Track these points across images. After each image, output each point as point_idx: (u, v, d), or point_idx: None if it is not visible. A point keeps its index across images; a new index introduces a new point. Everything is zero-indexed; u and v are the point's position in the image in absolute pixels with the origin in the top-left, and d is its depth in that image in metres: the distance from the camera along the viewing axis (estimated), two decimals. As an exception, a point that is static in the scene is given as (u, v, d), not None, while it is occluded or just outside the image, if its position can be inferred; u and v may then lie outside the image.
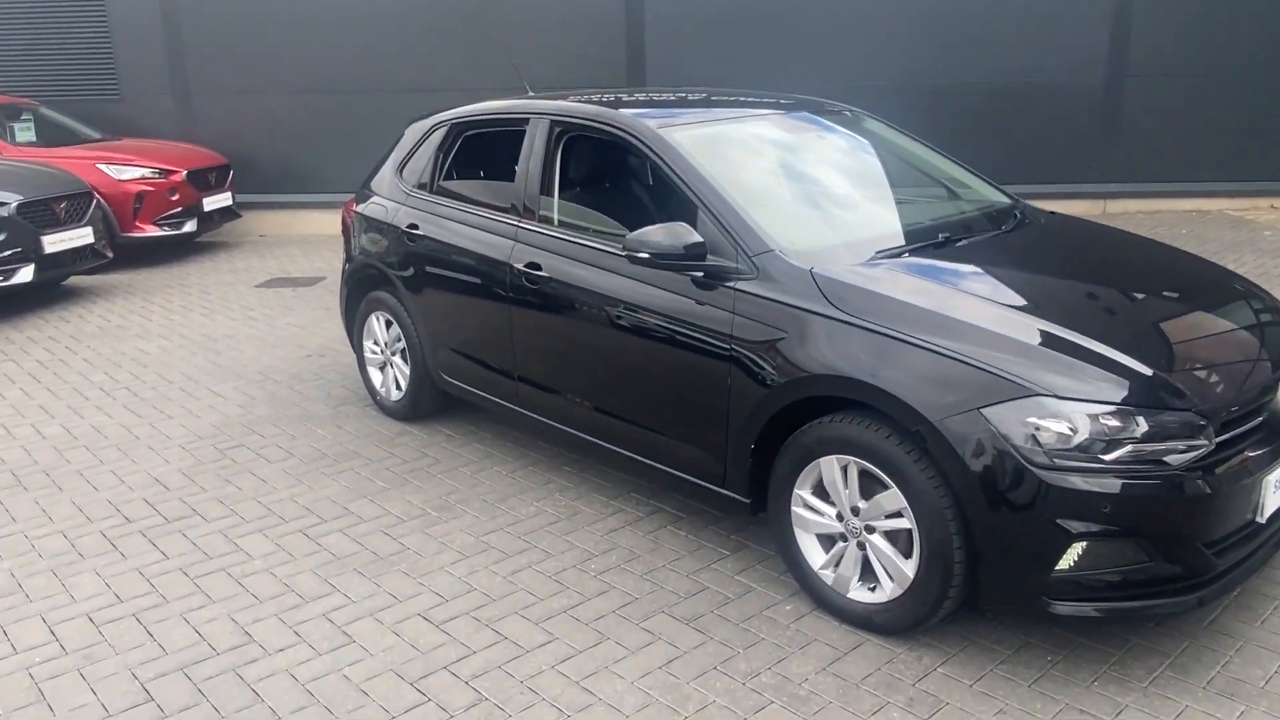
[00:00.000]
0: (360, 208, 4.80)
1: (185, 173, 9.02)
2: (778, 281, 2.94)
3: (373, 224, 4.67)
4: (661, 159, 3.37)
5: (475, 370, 4.16)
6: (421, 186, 4.48)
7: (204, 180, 9.32)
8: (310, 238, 10.17)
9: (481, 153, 4.43)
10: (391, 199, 4.60)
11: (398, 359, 4.69)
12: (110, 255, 7.89)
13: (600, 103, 3.82)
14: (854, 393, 2.69)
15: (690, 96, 4.33)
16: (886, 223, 3.51)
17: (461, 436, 4.53)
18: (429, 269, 4.28)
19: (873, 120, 4.24)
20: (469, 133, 4.38)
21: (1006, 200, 3.90)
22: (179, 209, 8.97)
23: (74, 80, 10.39)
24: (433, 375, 4.46)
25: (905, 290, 2.81)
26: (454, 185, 4.41)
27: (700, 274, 3.09)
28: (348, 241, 4.90)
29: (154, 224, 8.78)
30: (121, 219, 8.60)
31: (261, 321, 6.88)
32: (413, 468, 4.20)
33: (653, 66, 9.94)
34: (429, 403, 4.64)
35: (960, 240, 3.32)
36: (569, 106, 3.84)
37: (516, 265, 3.76)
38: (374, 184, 4.81)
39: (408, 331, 4.50)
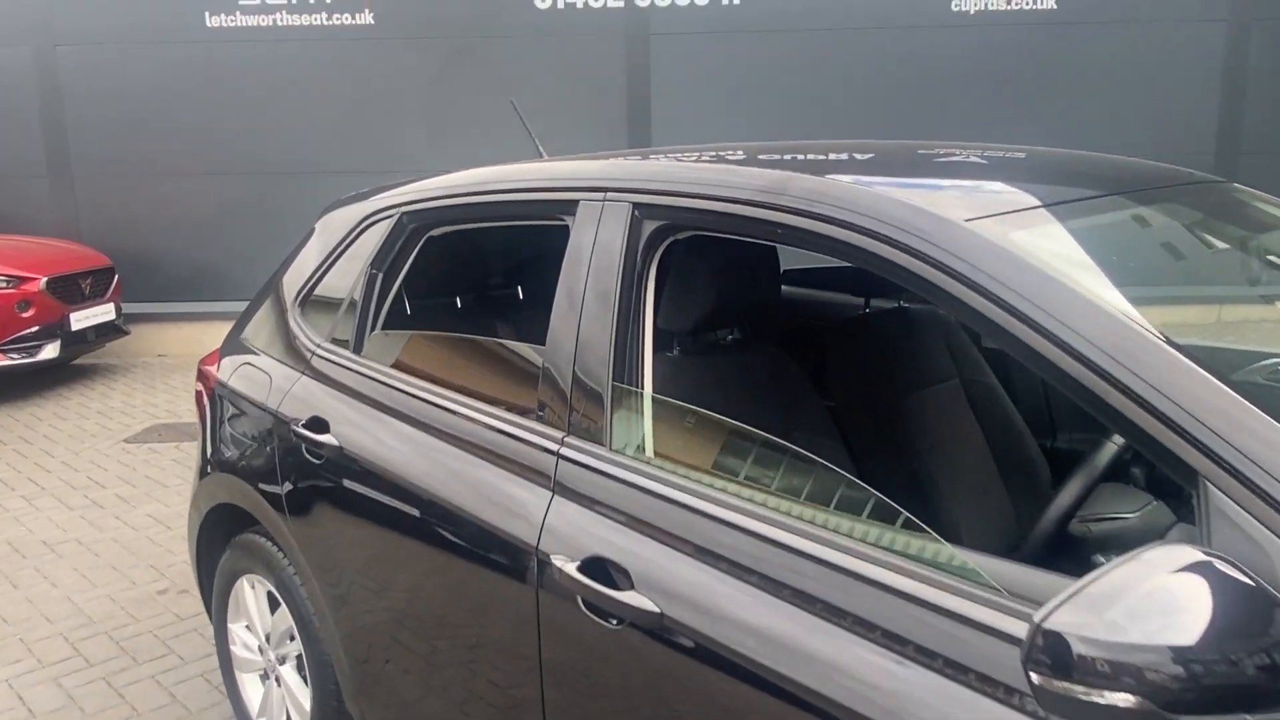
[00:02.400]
0: (225, 374, 2.52)
1: (45, 280, 6.69)
2: None
3: (244, 408, 2.38)
4: (1019, 305, 1.18)
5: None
6: (340, 341, 2.21)
7: (74, 289, 6.98)
8: (222, 359, 7.81)
9: (464, 271, 2.25)
10: (282, 361, 2.33)
11: (288, 669, 2.35)
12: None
13: (739, 162, 1.63)
14: None
15: (864, 155, 2.15)
16: None
17: None
18: (354, 519, 2.00)
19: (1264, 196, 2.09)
20: (436, 230, 2.15)
21: None
22: (33, 328, 6.61)
23: (-80, 160, 8.09)
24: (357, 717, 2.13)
25: None
26: (405, 341, 2.15)
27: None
28: (204, 433, 2.59)
29: (-6, 349, 6.42)
30: (-54, 344, 6.24)
31: (111, 512, 4.48)
32: None
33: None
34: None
35: None
36: (675, 171, 1.64)
37: (562, 564, 1.49)
38: (249, 330, 2.54)
39: (307, 624, 2.19)
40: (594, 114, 7.74)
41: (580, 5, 7.81)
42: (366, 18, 7.82)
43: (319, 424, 2.07)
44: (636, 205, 1.63)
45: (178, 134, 7.98)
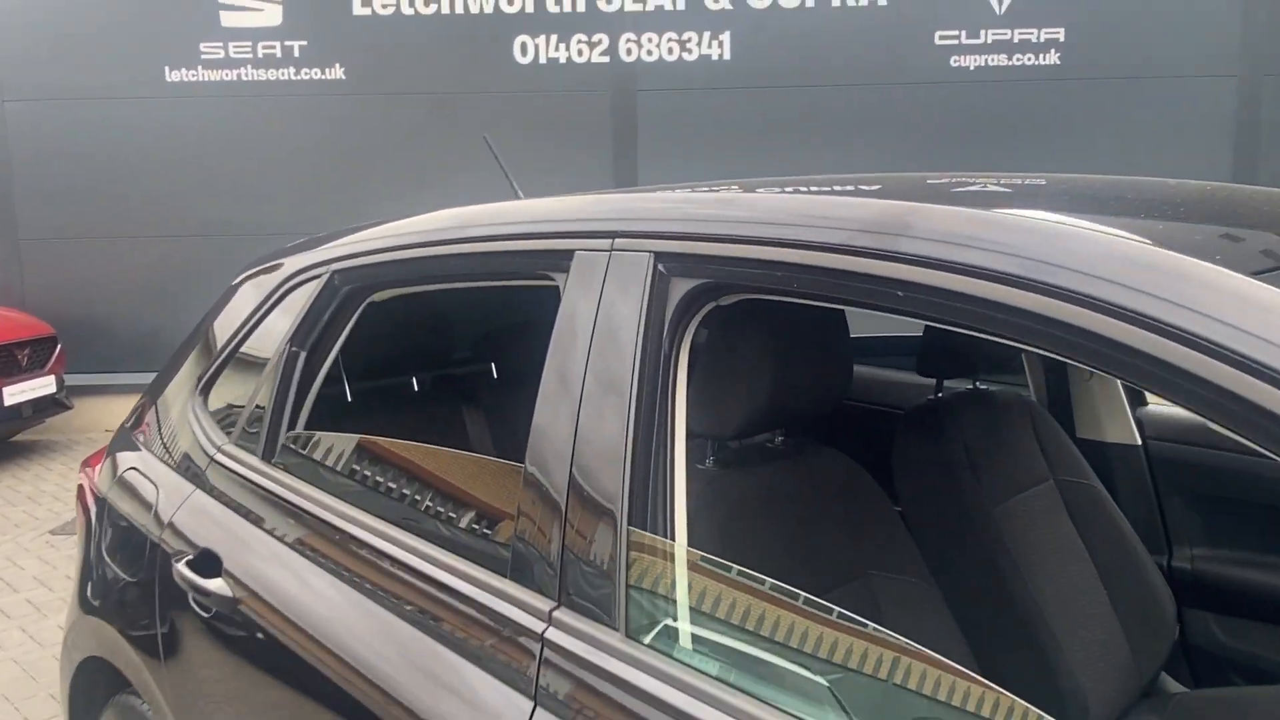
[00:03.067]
0: (106, 481, 1.93)
1: (-26, 351, 6.08)
2: None
3: (122, 531, 1.79)
4: None
5: None
6: (247, 443, 1.63)
7: (9, 360, 6.37)
8: (174, 435, 7.17)
9: (417, 347, 1.69)
10: (175, 467, 1.75)
11: None
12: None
13: (805, 193, 1.10)
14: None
15: (965, 187, 1.61)
16: None
17: None
18: (248, 703, 1.40)
19: None
20: (380, 294, 1.59)
21: None
22: (-41, 404, 5.98)
23: None
24: None
25: None
26: (329, 447, 1.57)
27: None
28: (81, 559, 1.99)
29: (-87, 429, 5.78)
30: None
31: (17, 623, 3.82)
32: None
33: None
34: None
35: None
36: (720, 207, 1.09)
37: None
38: (143, 426, 1.97)
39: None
40: (578, 173, 7.29)
41: (563, 60, 7.43)
42: (337, 72, 7.40)
43: (208, 562, 1.48)
44: (660, 256, 1.09)
45: (133, 194, 7.47)
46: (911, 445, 1.78)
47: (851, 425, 1.90)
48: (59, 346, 6.86)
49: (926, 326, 1.85)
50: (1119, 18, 7.33)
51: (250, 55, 7.39)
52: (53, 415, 6.87)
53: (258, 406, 1.62)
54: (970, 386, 1.97)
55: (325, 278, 1.60)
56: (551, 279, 1.22)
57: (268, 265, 1.83)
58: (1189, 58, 7.39)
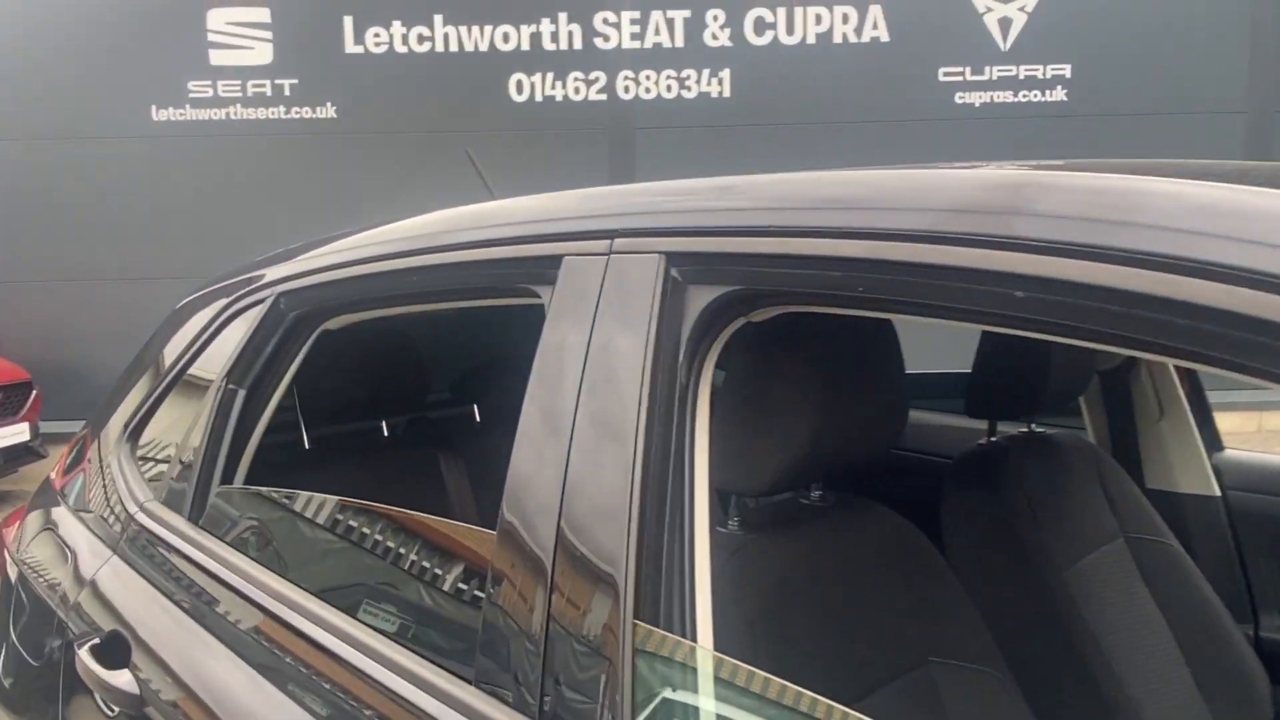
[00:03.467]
0: (21, 543, 1.65)
1: (-60, 397, 5.81)
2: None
3: (29, 604, 1.51)
4: None
5: None
6: (174, 500, 1.36)
7: (-21, 406, 6.09)
8: (152, 485, 6.86)
9: (381, 390, 1.45)
10: (94, 528, 1.48)
11: None
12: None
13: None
14: None
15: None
16: None
17: None
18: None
19: None
20: (335, 321, 1.33)
21: None
22: (-77, 453, 5.69)
23: None
24: None
25: None
26: (268, 507, 1.30)
27: None
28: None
29: (-128, 480, 5.47)
30: None
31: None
32: None
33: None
34: None
35: None
36: (762, 187, 0.84)
37: None
38: (65, 475, 1.69)
39: None
40: (575, 211, 7.07)
41: (560, 98, 7.27)
42: (329, 111, 7.23)
43: (116, 648, 1.20)
44: (674, 257, 0.83)
45: (117, 236, 7.25)
46: (964, 498, 1.52)
47: (888, 476, 1.63)
48: (35, 392, 6.58)
49: (979, 359, 1.59)
50: (1127, 54, 7.20)
51: (240, 94, 7.22)
52: (27, 464, 6.55)
53: (186, 456, 1.35)
54: (1025, 429, 1.71)
55: (269, 302, 1.34)
56: (534, 293, 0.96)
57: (210, 289, 1.57)
58: (1197, 94, 7.25)
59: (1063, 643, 1.46)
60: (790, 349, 0.95)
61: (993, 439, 1.64)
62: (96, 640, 1.24)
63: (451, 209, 1.15)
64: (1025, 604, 1.48)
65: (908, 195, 0.71)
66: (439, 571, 1.00)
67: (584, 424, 0.83)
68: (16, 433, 6.35)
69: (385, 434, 1.79)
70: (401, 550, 1.08)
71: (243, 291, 1.41)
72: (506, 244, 1.00)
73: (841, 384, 0.99)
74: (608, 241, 0.90)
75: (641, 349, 0.81)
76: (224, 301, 1.46)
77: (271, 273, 1.38)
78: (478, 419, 2.08)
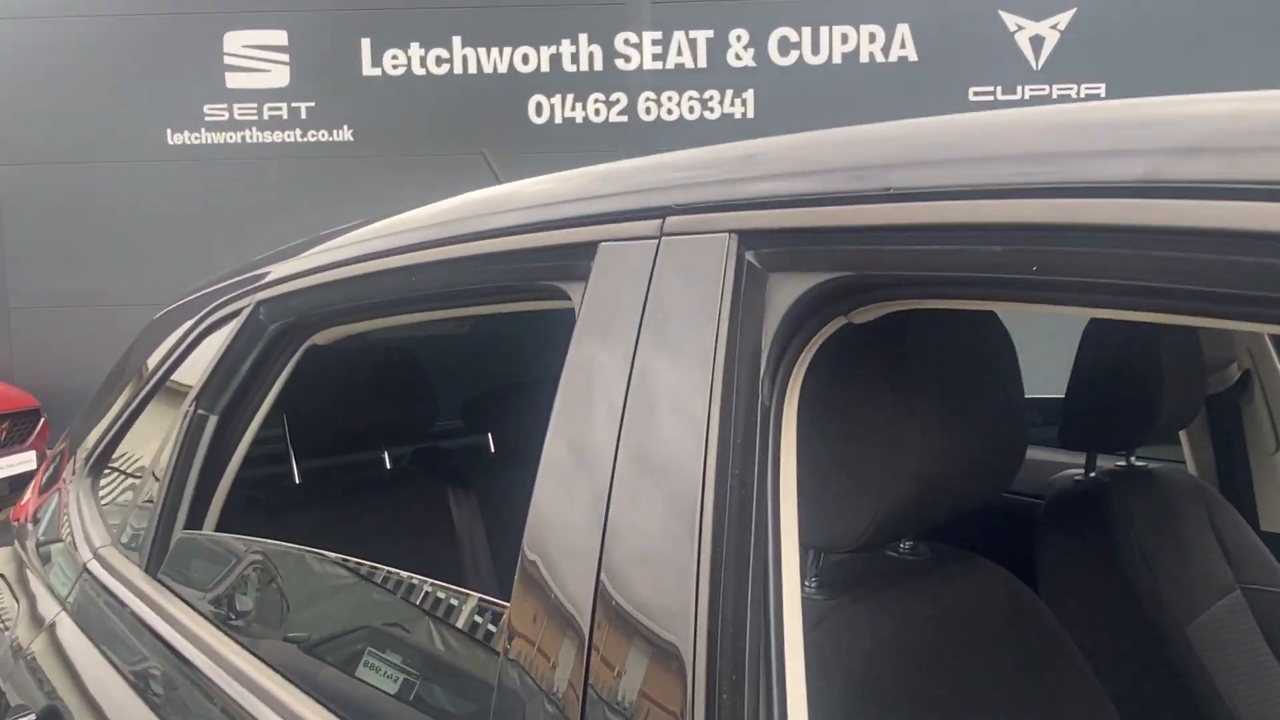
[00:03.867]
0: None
1: (-56, 425, 5.66)
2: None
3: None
4: None
5: None
6: (133, 545, 1.15)
7: (-16, 434, 5.95)
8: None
9: (382, 416, 1.25)
10: (46, 578, 1.27)
11: None
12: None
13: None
14: None
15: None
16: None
17: None
18: None
19: None
20: (323, 334, 1.12)
21: None
22: (-75, 483, 5.54)
23: None
24: None
25: None
26: (240, 550, 1.08)
27: None
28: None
29: (-128, 510, 5.30)
30: None
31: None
32: None
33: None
34: None
35: None
36: (878, 134, 0.62)
37: None
38: (26, 508, 1.50)
39: None
40: (596, 234, 6.90)
41: (580, 120, 7.13)
42: (345, 134, 7.11)
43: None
44: (750, 237, 0.62)
45: (131, 261, 7.14)
46: (1065, 543, 1.29)
47: (969, 519, 1.40)
48: (43, 420, 6.43)
49: (1076, 380, 1.36)
50: (1163, 70, 6.97)
51: (256, 117, 7.12)
52: (33, 494, 6.41)
53: (148, 494, 1.14)
54: (1124, 463, 1.48)
55: (247, 312, 1.13)
56: (562, 293, 0.75)
57: (193, 296, 1.38)
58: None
59: (1187, 709, 1.24)
60: (897, 361, 0.73)
61: (1091, 474, 1.41)
62: (33, 716, 1.03)
63: (461, 195, 0.94)
64: (1142, 665, 1.26)
65: (1104, 135, 0.50)
66: (440, 652, 0.79)
67: (626, 461, 0.61)
68: (24, 461, 6.19)
69: (387, 466, 1.58)
70: (393, 612, 0.87)
71: (220, 300, 1.21)
72: (524, 231, 0.79)
73: (959, 408, 0.77)
74: (658, 221, 0.69)
75: (708, 359, 0.60)
76: (201, 312, 1.26)
77: (253, 277, 1.17)
78: (492, 449, 1.87)
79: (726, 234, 0.63)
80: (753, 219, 0.63)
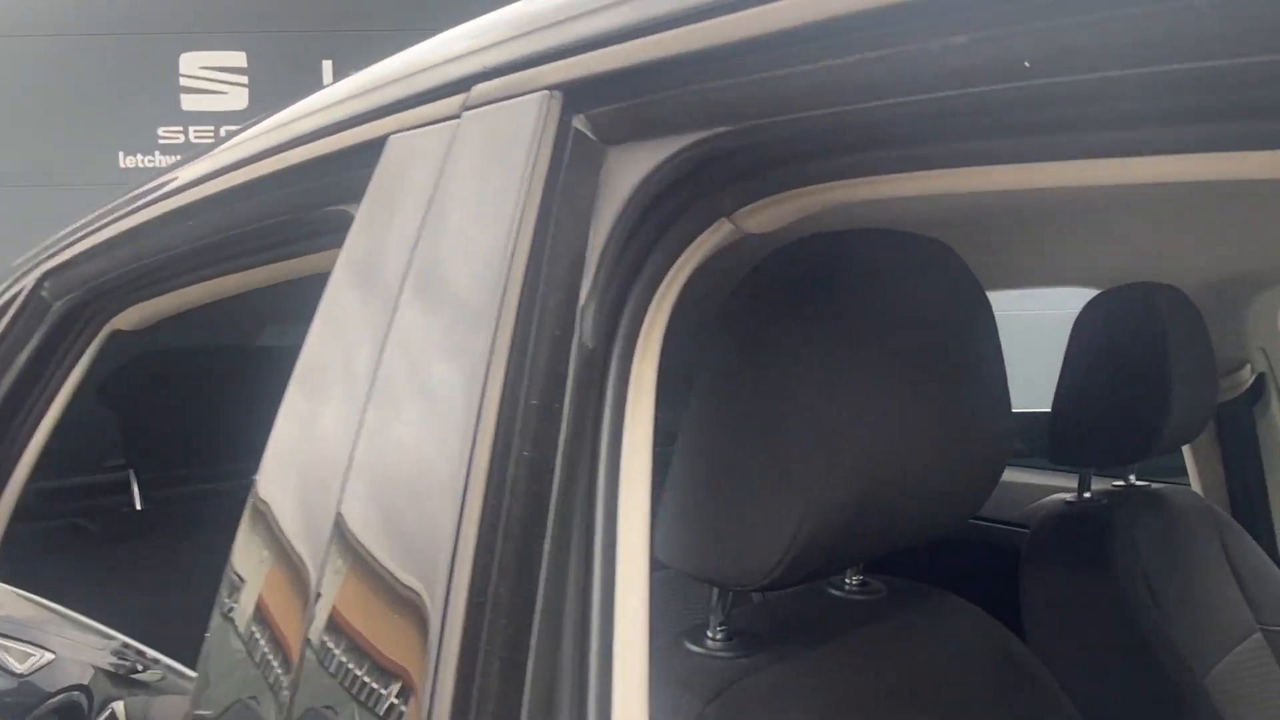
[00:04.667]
0: None
1: None
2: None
3: None
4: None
5: None
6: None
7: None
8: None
9: (225, 426, 0.99)
10: None
11: None
12: None
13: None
14: None
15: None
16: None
17: None
18: None
19: None
20: (124, 319, 0.88)
21: None
22: None
23: None
24: None
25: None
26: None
27: None
28: None
29: None
30: None
31: None
32: None
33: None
34: None
35: None
36: None
37: None
38: None
39: None
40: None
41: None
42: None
43: None
44: (576, 91, 0.39)
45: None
46: (1054, 578, 1.07)
47: (933, 551, 1.17)
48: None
49: (1067, 385, 1.14)
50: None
51: (212, 140, 6.92)
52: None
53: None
54: (1122, 483, 1.26)
55: (28, 290, 0.90)
56: (348, 217, 0.52)
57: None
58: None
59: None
60: (826, 307, 0.50)
61: (1086, 494, 1.19)
62: None
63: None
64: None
65: None
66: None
67: (369, 446, 0.38)
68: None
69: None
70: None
71: (10, 281, 0.98)
72: (301, 143, 0.56)
73: (917, 382, 0.54)
74: (461, 96, 0.46)
75: (499, 279, 0.37)
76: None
77: (41, 250, 0.94)
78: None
79: (545, 92, 0.41)
80: (581, 65, 0.40)
